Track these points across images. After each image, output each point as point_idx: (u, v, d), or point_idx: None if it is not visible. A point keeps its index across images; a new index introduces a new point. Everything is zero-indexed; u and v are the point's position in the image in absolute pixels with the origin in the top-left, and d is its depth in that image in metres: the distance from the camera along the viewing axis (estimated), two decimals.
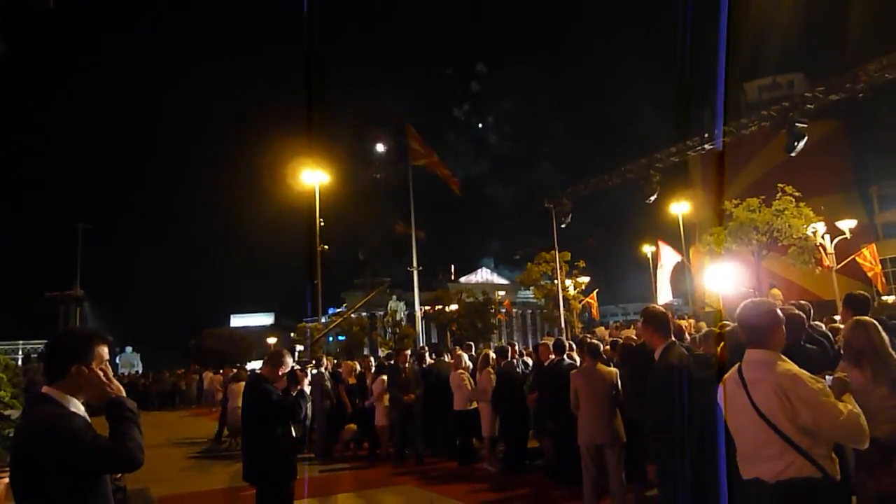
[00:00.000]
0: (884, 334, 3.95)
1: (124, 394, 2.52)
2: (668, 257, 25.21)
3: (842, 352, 4.21)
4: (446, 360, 11.66)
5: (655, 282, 27.26)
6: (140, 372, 52.94)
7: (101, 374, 2.48)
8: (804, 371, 2.95)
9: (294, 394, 5.32)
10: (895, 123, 48.61)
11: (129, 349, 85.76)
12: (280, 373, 5.40)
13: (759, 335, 3.07)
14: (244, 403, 5.44)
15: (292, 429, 5.43)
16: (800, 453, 2.81)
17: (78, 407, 2.43)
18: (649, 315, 4.70)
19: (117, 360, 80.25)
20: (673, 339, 4.55)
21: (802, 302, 5.70)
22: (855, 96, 14.07)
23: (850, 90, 14.06)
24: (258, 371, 5.78)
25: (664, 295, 24.56)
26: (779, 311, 3.13)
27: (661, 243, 26.93)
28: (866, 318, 4.18)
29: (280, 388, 5.33)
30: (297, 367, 5.73)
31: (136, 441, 2.40)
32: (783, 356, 3.03)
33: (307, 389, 5.56)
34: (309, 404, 5.66)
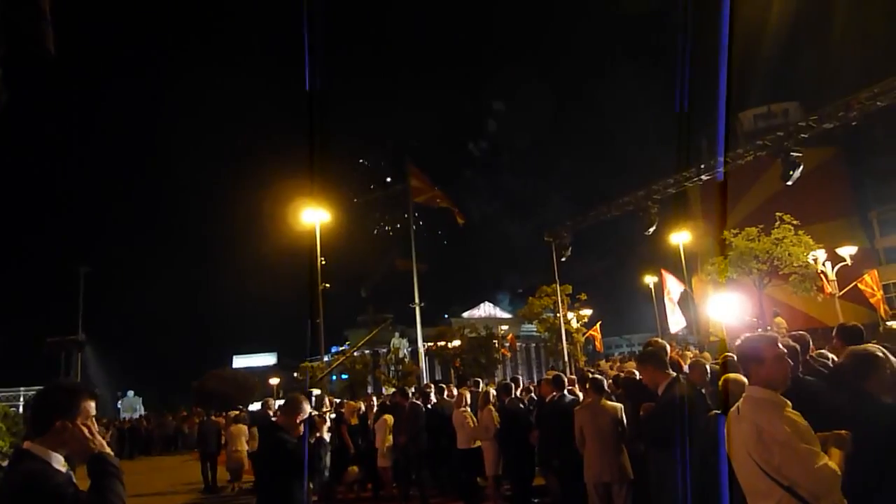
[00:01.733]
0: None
1: (107, 450, 2.49)
2: (674, 286, 25.18)
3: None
4: (446, 397, 11.54)
5: (664, 311, 27.15)
6: (142, 415, 52.47)
7: (85, 430, 2.45)
8: (791, 411, 2.89)
9: (313, 442, 5.05)
10: (892, 147, 49.01)
11: (130, 393, 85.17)
12: (297, 420, 5.07)
13: (753, 371, 3.03)
14: (260, 455, 5.23)
15: (309, 482, 5.09)
16: (786, 491, 2.75)
17: (60, 462, 2.40)
18: (646, 354, 4.70)
19: (119, 405, 79.72)
20: (673, 373, 4.51)
21: (800, 332, 5.64)
22: (848, 124, 14.21)
23: (844, 118, 14.21)
24: (274, 420, 5.55)
25: (677, 323, 24.46)
26: (778, 346, 3.05)
27: (664, 272, 26.90)
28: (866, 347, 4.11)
29: (297, 436, 5.04)
30: (316, 413, 5.52)
31: (118, 495, 2.36)
32: (777, 394, 2.97)
33: (327, 437, 5.32)
34: (328, 454, 5.33)
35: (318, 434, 5.13)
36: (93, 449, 2.43)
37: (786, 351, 3.10)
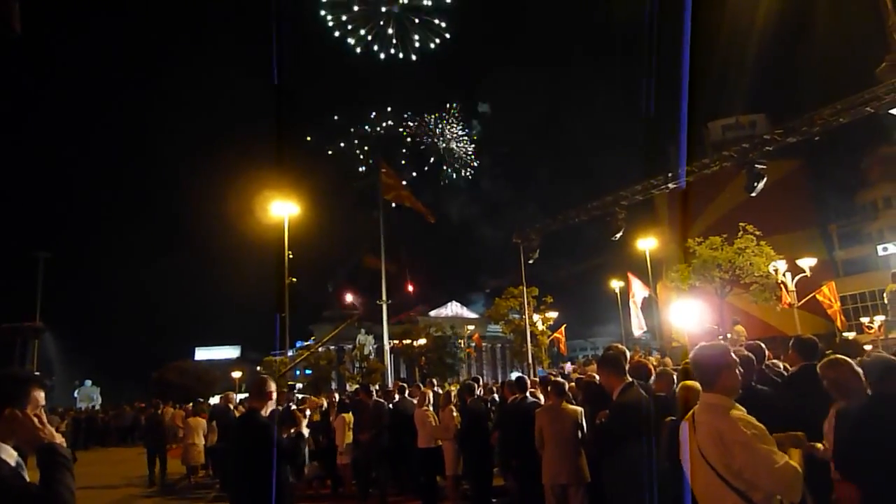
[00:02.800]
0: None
1: (58, 439, 2.43)
2: (639, 290, 25.51)
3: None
4: (408, 396, 11.53)
5: (629, 314, 27.54)
6: (99, 406, 51.38)
7: (35, 419, 2.39)
8: (746, 416, 2.96)
9: (293, 435, 4.99)
10: (853, 163, 50.38)
11: (88, 382, 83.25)
12: (269, 399, 4.95)
13: (708, 379, 3.09)
14: (236, 442, 5.02)
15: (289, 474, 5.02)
16: (740, 497, 2.81)
17: (8, 452, 2.33)
18: (605, 358, 4.77)
19: (75, 394, 77.89)
20: (629, 379, 4.59)
21: (756, 343, 5.77)
22: (811, 139, 14.54)
23: (807, 133, 14.55)
24: (250, 404, 5.36)
25: (638, 326, 24.79)
26: (730, 355, 3.13)
27: (630, 276, 27.26)
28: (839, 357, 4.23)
29: (268, 415, 4.93)
30: (295, 406, 5.45)
31: (68, 487, 2.31)
32: (731, 400, 3.03)
33: (306, 431, 5.22)
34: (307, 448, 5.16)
35: (296, 428, 5.06)
36: (42, 439, 2.38)
37: (738, 360, 3.17)
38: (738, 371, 3.11)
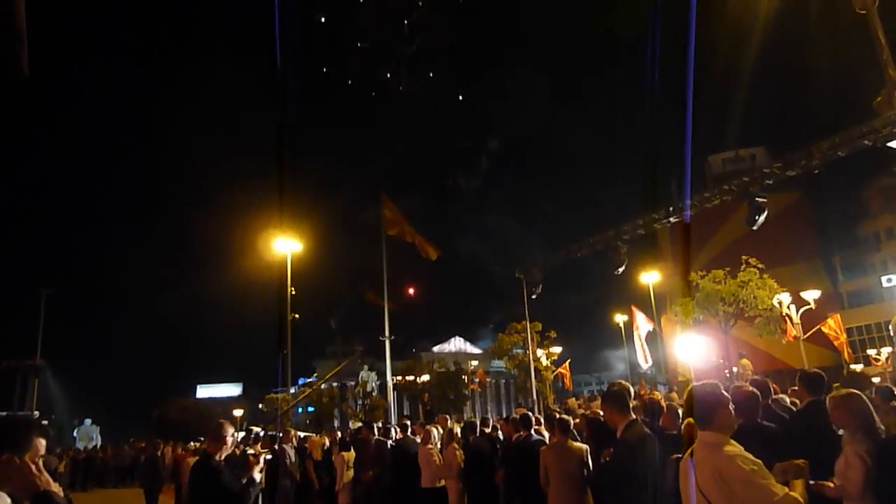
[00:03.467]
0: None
1: (53, 487, 2.40)
2: (643, 323, 25.37)
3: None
4: (411, 434, 11.38)
5: (634, 348, 27.35)
6: (98, 445, 50.82)
7: (33, 466, 2.36)
8: (742, 452, 2.99)
9: (245, 481, 4.98)
10: (854, 195, 50.54)
11: (87, 421, 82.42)
12: (225, 445, 5.06)
13: (703, 417, 3.15)
14: (191, 486, 5.08)
15: None
16: None
17: (3, 500, 2.30)
18: (609, 394, 4.72)
19: (74, 434, 77.07)
20: (633, 416, 4.54)
21: (761, 378, 5.71)
22: (811, 171, 14.61)
23: (806, 166, 14.62)
24: (206, 448, 5.42)
25: (643, 360, 24.61)
26: (722, 393, 3.21)
27: (634, 309, 27.14)
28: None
29: (223, 459, 4.99)
30: (251, 451, 5.43)
31: None
32: (726, 437, 3.09)
33: (258, 477, 5.20)
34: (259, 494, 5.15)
35: (250, 473, 5.03)
36: (38, 487, 2.35)
37: (730, 397, 3.24)
38: (731, 409, 3.18)
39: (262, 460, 5.38)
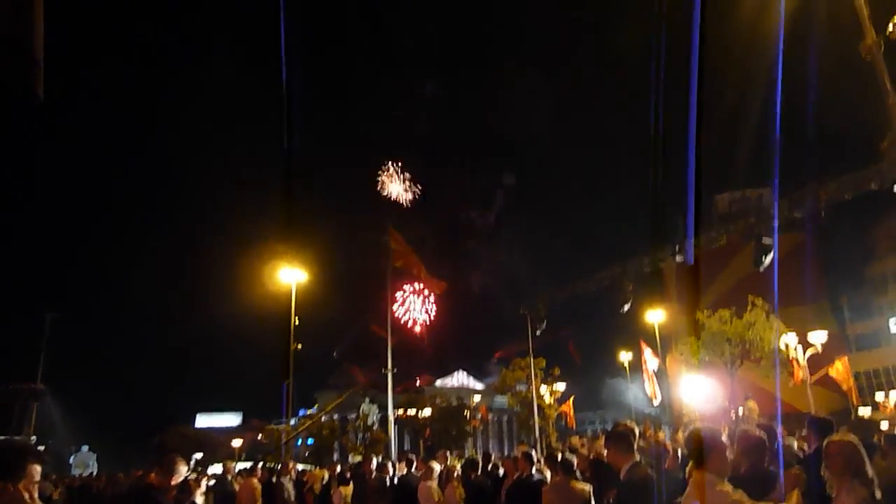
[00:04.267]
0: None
1: None
2: (650, 359, 25.16)
3: None
4: (403, 471, 11.23)
5: (641, 385, 27.08)
6: (94, 473, 50.27)
7: (26, 494, 2.33)
8: (732, 491, 3.13)
9: None
10: (861, 237, 50.44)
11: (85, 448, 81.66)
12: (172, 482, 4.86)
13: (699, 458, 3.34)
14: None
15: None
16: None
17: None
18: (613, 434, 4.66)
19: (71, 460, 76.32)
20: (637, 457, 4.47)
21: (767, 423, 5.64)
22: (817, 213, 14.60)
23: (812, 207, 14.62)
24: (147, 480, 5.35)
25: (653, 396, 24.36)
26: (719, 438, 3.43)
27: (643, 344, 26.92)
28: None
29: (171, 499, 4.85)
30: (193, 475, 5.34)
31: None
32: (722, 480, 3.23)
33: (200, 500, 5.12)
34: None
35: (191, 497, 4.94)
36: None
37: (727, 445, 3.47)
38: (726, 454, 3.40)
39: (203, 484, 5.30)
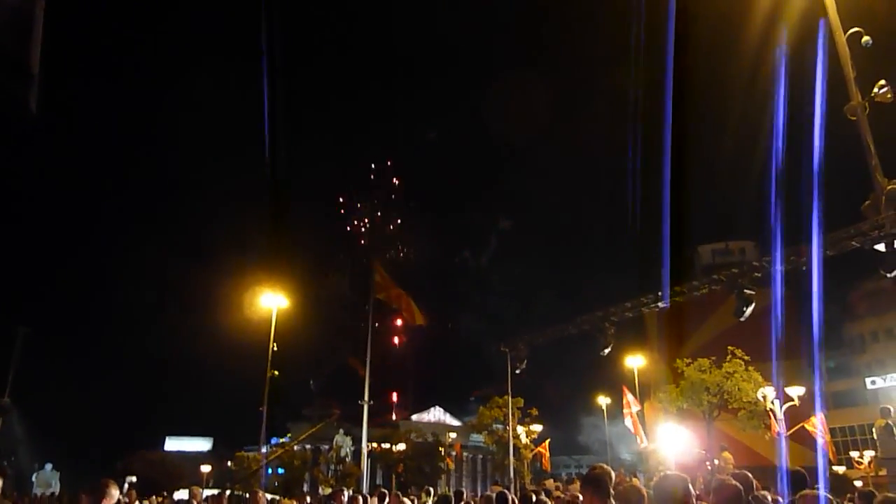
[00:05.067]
0: None
1: None
2: (634, 404, 25.07)
3: None
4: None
5: (621, 429, 26.84)
6: (56, 493, 48.83)
7: None
8: None
9: None
10: (840, 297, 51.04)
11: (48, 467, 79.38)
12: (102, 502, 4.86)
13: None
14: None
15: None
16: None
17: None
18: (589, 477, 4.60)
19: (33, 479, 74.14)
20: (613, 502, 4.41)
21: (742, 472, 5.62)
22: (799, 269, 14.77)
23: (794, 262, 14.79)
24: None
25: (640, 440, 24.18)
26: (687, 488, 3.58)
27: (625, 389, 26.85)
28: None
29: None
30: (125, 500, 5.26)
31: None
32: None
33: None
34: None
35: None
36: None
37: (696, 493, 3.59)
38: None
39: None
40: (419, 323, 28.89)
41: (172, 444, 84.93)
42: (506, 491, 9.00)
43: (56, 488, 65.82)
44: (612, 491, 4.49)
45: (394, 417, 78.61)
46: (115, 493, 4.93)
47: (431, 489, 14.78)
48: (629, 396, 25.24)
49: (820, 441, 20.95)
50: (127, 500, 14.94)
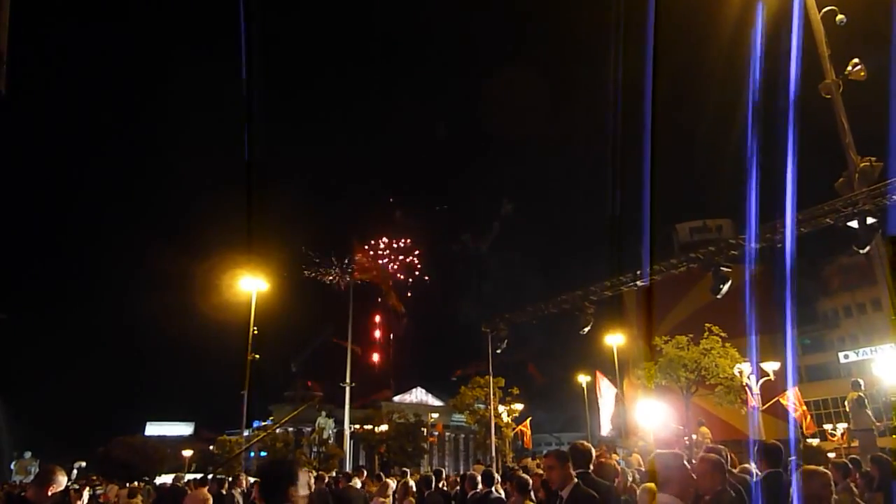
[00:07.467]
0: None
1: None
2: (607, 389, 25.29)
3: None
4: (358, 485, 11.07)
5: (598, 412, 27.15)
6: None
7: None
8: None
9: None
10: (814, 272, 51.90)
11: (27, 454, 78.69)
12: (49, 493, 4.79)
13: (664, 482, 3.43)
14: None
15: None
16: None
17: None
18: (558, 454, 4.75)
19: (12, 466, 73.49)
20: (576, 479, 4.53)
21: (717, 446, 5.76)
22: (774, 246, 14.97)
23: (770, 240, 14.98)
24: (23, 493, 5.22)
25: (605, 427, 24.43)
26: (684, 464, 3.55)
27: (598, 374, 27.10)
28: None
29: None
30: (75, 486, 5.25)
31: None
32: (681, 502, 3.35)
33: None
34: None
35: None
36: None
37: (689, 467, 3.60)
38: (691, 479, 3.56)
39: (85, 495, 5.19)
40: (399, 308, 28.93)
41: (153, 429, 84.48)
42: (491, 469, 9.09)
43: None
44: (586, 463, 4.62)
45: (374, 399, 78.80)
46: (62, 479, 4.93)
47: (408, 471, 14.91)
48: (603, 382, 25.49)
49: (793, 415, 21.39)
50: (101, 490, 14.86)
